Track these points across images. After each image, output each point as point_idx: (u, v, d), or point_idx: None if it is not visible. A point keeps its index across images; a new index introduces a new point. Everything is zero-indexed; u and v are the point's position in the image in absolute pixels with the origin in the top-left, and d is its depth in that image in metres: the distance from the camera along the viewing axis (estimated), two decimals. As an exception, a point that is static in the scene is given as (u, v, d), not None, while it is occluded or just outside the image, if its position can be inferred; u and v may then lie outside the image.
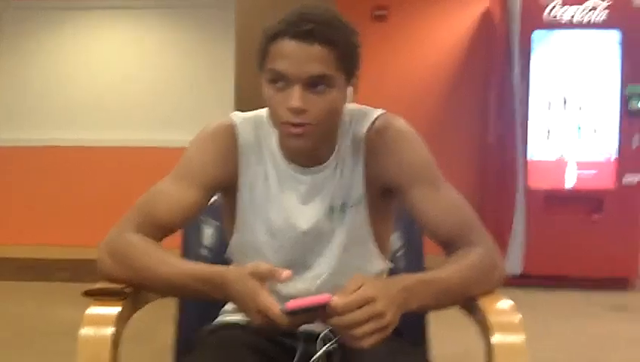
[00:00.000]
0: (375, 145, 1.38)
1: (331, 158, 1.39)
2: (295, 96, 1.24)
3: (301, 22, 1.23)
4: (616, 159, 4.70)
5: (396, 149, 1.37)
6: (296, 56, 1.23)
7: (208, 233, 1.71)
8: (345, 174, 1.39)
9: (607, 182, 4.71)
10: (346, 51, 1.27)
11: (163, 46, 5.53)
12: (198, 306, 1.59)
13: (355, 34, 1.30)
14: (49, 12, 5.50)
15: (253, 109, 1.46)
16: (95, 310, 1.26)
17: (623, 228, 4.69)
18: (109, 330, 1.22)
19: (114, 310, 1.25)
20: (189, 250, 1.70)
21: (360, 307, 1.11)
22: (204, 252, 1.69)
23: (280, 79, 1.26)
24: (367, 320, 1.11)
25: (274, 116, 1.31)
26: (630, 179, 4.67)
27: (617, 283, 4.73)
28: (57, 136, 5.49)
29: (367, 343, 1.12)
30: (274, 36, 1.25)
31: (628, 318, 4.13)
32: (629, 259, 4.70)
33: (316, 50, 1.23)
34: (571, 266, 4.69)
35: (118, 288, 1.28)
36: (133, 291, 1.30)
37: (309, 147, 1.31)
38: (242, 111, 1.47)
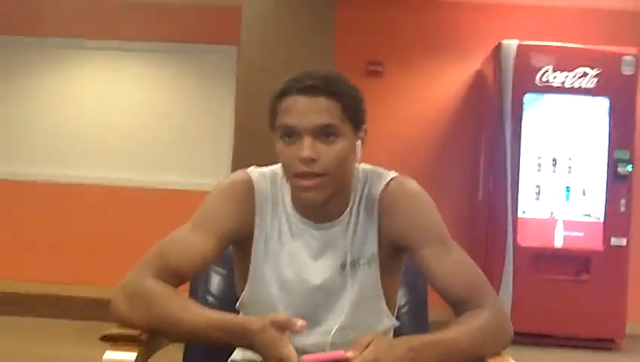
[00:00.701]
0: (389, 206, 1.43)
1: (344, 215, 1.43)
2: (305, 146, 1.31)
3: (306, 78, 1.33)
4: (604, 221, 4.77)
5: (409, 210, 1.42)
6: (303, 109, 1.31)
7: (215, 281, 1.73)
8: (358, 231, 1.43)
9: (595, 244, 4.78)
10: (349, 103, 1.35)
11: (162, 88, 5.60)
12: (204, 354, 1.61)
13: (357, 90, 1.39)
14: (50, 49, 5.57)
15: (251, 155, 1.51)
16: (113, 355, 1.27)
17: (610, 289, 4.74)
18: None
19: (131, 356, 1.27)
20: (195, 296, 1.71)
21: None
22: (211, 299, 1.71)
23: (290, 133, 1.33)
24: None
25: (286, 170, 1.37)
26: (617, 241, 4.74)
27: (604, 343, 4.76)
28: (49, 172, 5.51)
29: None
30: (282, 94, 1.34)
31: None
32: (615, 320, 4.74)
33: (321, 101, 1.31)
34: (558, 325, 4.72)
35: (136, 334, 1.30)
36: (149, 336, 1.32)
37: (321, 199, 1.36)
38: (240, 157, 1.53)
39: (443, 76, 5.59)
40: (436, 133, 5.58)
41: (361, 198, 1.44)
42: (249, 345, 1.24)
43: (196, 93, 5.59)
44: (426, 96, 5.60)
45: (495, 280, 4.74)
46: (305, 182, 1.33)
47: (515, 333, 4.54)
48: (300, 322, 1.22)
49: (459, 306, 1.40)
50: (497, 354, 1.37)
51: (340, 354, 1.16)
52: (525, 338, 4.63)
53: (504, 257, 4.76)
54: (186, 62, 5.58)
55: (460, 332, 1.33)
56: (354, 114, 1.36)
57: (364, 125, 1.40)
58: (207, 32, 5.49)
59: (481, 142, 5.29)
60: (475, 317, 1.36)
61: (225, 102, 5.23)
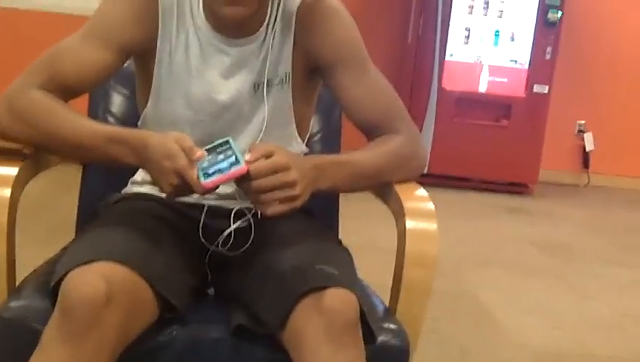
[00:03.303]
0: (306, 22, 1.31)
1: (260, 31, 1.31)
2: None
3: None
4: (528, 68, 4.79)
5: (327, 26, 1.31)
6: None
7: (117, 101, 1.61)
8: (273, 50, 1.31)
9: (518, 90, 4.82)
10: None
11: None
12: (103, 176, 1.52)
13: None
14: None
15: None
16: (-10, 168, 1.16)
17: (528, 136, 4.85)
18: (6, 192, 1.14)
19: (12, 170, 1.16)
20: (96, 117, 1.59)
21: (274, 173, 1.08)
22: (112, 120, 1.60)
23: None
24: (278, 187, 1.08)
25: None
26: (540, 88, 4.79)
27: (517, 188, 4.93)
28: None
29: (273, 210, 1.10)
30: None
31: (521, 220, 4.34)
32: (530, 166, 4.89)
33: None
34: (475, 169, 4.85)
35: (17, 147, 1.19)
36: (34, 152, 1.21)
37: (245, 14, 1.22)
38: None
39: None
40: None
41: (277, 13, 1.31)
42: (142, 159, 1.14)
43: None
44: None
45: (417, 123, 4.71)
46: None
47: (433, 175, 4.70)
48: (199, 152, 1.09)
49: (372, 131, 1.34)
50: (407, 180, 1.33)
51: (241, 170, 1.06)
52: (442, 180, 4.75)
53: (428, 100, 4.75)
54: None
55: (370, 155, 1.28)
56: None
57: None
58: None
59: (414, -19, 5.11)
60: (386, 142, 1.30)
61: None
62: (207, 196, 1.20)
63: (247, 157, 1.08)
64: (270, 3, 1.30)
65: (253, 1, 1.22)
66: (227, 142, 1.13)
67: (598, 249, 3.87)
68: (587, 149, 5.51)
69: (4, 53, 5.08)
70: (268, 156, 1.09)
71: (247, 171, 1.06)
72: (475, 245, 3.69)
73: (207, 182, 1.05)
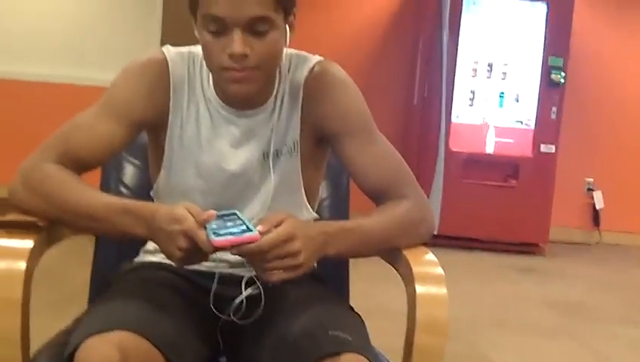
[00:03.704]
0: (313, 92, 1.35)
1: (268, 102, 1.34)
2: (236, 42, 1.18)
3: None
4: (534, 128, 4.83)
5: (333, 97, 1.35)
6: None
7: (129, 171, 1.64)
8: (281, 120, 1.35)
9: (525, 150, 4.85)
10: None
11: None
12: (116, 245, 1.54)
13: None
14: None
15: (181, 41, 1.40)
16: (6, 242, 1.19)
17: (536, 195, 4.86)
18: (22, 265, 1.16)
19: (27, 244, 1.18)
20: (109, 189, 1.62)
21: (282, 243, 1.10)
22: (125, 191, 1.62)
23: (217, 24, 1.19)
24: (282, 257, 1.11)
25: (212, 62, 1.25)
26: (546, 148, 4.82)
27: (528, 248, 4.91)
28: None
29: (276, 278, 1.12)
30: None
31: (534, 280, 4.30)
32: (540, 225, 4.88)
33: None
34: (485, 229, 4.84)
35: (32, 221, 1.21)
36: (48, 225, 1.23)
37: (251, 92, 1.26)
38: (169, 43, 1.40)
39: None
40: (374, 36, 5.48)
41: (285, 84, 1.36)
42: (150, 231, 1.16)
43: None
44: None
45: (426, 185, 4.79)
46: (235, 74, 1.22)
47: (443, 236, 4.69)
48: (207, 212, 1.12)
49: (380, 198, 1.36)
50: (416, 244, 1.34)
51: (252, 236, 1.09)
52: (453, 242, 4.74)
53: (436, 161, 4.79)
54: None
55: (377, 220, 1.29)
56: (287, 3, 1.23)
57: (294, 9, 1.28)
58: None
59: (419, 46, 5.22)
60: (394, 207, 1.32)
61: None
62: (219, 264, 1.21)
63: (260, 227, 1.10)
64: (278, 76, 1.34)
65: (260, 79, 1.26)
66: (234, 213, 1.16)
67: (613, 308, 3.83)
68: (597, 207, 5.51)
69: (14, 123, 5.18)
70: (278, 224, 1.11)
71: (259, 239, 1.08)
72: (487, 306, 3.65)
73: (216, 240, 1.07)
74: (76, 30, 5.28)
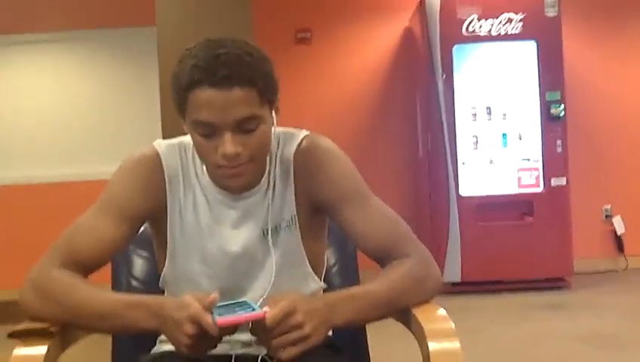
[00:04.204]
0: (303, 166, 1.38)
1: (262, 182, 1.38)
2: (227, 143, 1.23)
3: (216, 67, 1.20)
4: (542, 163, 4.84)
5: (324, 168, 1.38)
6: (219, 104, 1.21)
7: (138, 264, 1.67)
8: (276, 197, 1.38)
9: (536, 186, 4.85)
10: (266, 85, 1.25)
11: (83, 78, 5.43)
12: (132, 338, 1.55)
13: (268, 62, 1.28)
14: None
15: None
16: (22, 351, 1.21)
17: (554, 229, 4.82)
18: (37, 372, 1.18)
19: (41, 350, 1.21)
20: (120, 283, 1.65)
21: (284, 318, 1.13)
22: (135, 284, 1.65)
23: (207, 128, 1.24)
24: (286, 331, 1.13)
25: (206, 161, 1.30)
26: (557, 181, 4.82)
27: (554, 283, 4.85)
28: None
29: (287, 354, 1.14)
30: (190, 86, 1.22)
31: (563, 316, 4.23)
32: (562, 258, 4.83)
33: (237, 93, 1.21)
34: (507, 270, 4.80)
35: (44, 327, 1.24)
36: (61, 329, 1.26)
37: (247, 183, 1.32)
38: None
39: (373, 37, 5.57)
40: (371, 94, 5.56)
41: (276, 162, 1.40)
42: (160, 322, 1.19)
43: (121, 79, 5.43)
44: (357, 59, 5.57)
45: (442, 234, 4.78)
46: (230, 171, 1.27)
47: (467, 283, 4.66)
48: (212, 295, 1.16)
49: (383, 260, 1.38)
50: (425, 302, 1.35)
51: (256, 314, 1.12)
52: (477, 287, 4.70)
53: (449, 210, 4.79)
54: (107, 48, 5.40)
55: (381, 283, 1.30)
56: (270, 94, 1.28)
57: (277, 95, 1.32)
58: (125, 14, 5.33)
59: (416, 98, 5.29)
60: (397, 267, 1.33)
61: (151, 86, 5.09)
62: (234, 345, 1.23)
63: (266, 308, 1.14)
64: (268, 155, 1.38)
65: (254, 170, 1.31)
66: (245, 301, 1.20)
67: (646, 335, 3.75)
68: (618, 233, 5.46)
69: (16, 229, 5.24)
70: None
71: (264, 317, 1.11)
72: (519, 348, 3.59)
73: (221, 319, 1.09)
74: (79, 129, 5.41)
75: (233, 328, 1.16)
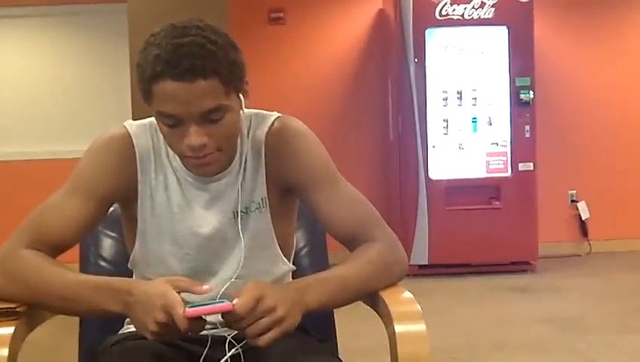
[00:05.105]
0: (274, 148, 1.38)
1: (233, 164, 1.38)
2: (192, 134, 1.22)
3: (179, 59, 1.18)
4: (510, 148, 4.90)
5: (295, 150, 1.38)
6: (183, 96, 1.19)
7: (107, 244, 1.67)
8: (247, 179, 1.38)
9: (504, 171, 4.91)
10: (231, 74, 1.23)
11: (54, 53, 5.35)
12: (99, 326, 1.55)
13: (234, 48, 1.26)
14: None
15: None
16: (-14, 331, 1.20)
17: (521, 214, 4.90)
18: (4, 351, 1.17)
19: (7, 330, 1.20)
20: (88, 263, 1.64)
21: (255, 305, 1.13)
22: (105, 264, 1.64)
23: (171, 119, 1.23)
24: (259, 317, 1.14)
25: (174, 149, 1.30)
26: (525, 166, 4.88)
27: (519, 266, 4.94)
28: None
29: (265, 339, 1.15)
30: (153, 77, 1.20)
31: (528, 298, 4.32)
32: (528, 242, 4.91)
33: (201, 85, 1.19)
34: (474, 253, 4.87)
35: (10, 307, 1.23)
36: (27, 309, 1.25)
37: (216, 170, 1.32)
38: (140, 117, 1.44)
39: (346, 18, 5.56)
40: (344, 75, 5.56)
41: (248, 144, 1.39)
42: (126, 305, 1.19)
43: (89, 56, 5.36)
44: (330, 39, 5.56)
45: (411, 216, 4.83)
46: (197, 160, 1.27)
47: (433, 265, 4.70)
48: (205, 287, 1.19)
49: (351, 243, 1.39)
50: (392, 285, 1.36)
51: (225, 305, 1.13)
52: (443, 269, 4.77)
53: (418, 193, 4.83)
54: (79, 23, 5.32)
55: (350, 267, 1.32)
56: (237, 82, 1.26)
57: (246, 79, 1.30)
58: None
59: (388, 81, 5.30)
60: (365, 251, 1.34)
61: (121, 63, 5.03)
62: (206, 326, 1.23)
63: (235, 300, 1.14)
64: (240, 137, 1.38)
65: (223, 157, 1.30)
66: (222, 300, 1.20)
67: (609, 317, 3.84)
68: (583, 218, 5.55)
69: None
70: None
71: (233, 308, 1.11)
72: (485, 330, 3.66)
73: (189, 310, 1.10)
74: (49, 106, 5.34)
75: (201, 325, 1.16)
